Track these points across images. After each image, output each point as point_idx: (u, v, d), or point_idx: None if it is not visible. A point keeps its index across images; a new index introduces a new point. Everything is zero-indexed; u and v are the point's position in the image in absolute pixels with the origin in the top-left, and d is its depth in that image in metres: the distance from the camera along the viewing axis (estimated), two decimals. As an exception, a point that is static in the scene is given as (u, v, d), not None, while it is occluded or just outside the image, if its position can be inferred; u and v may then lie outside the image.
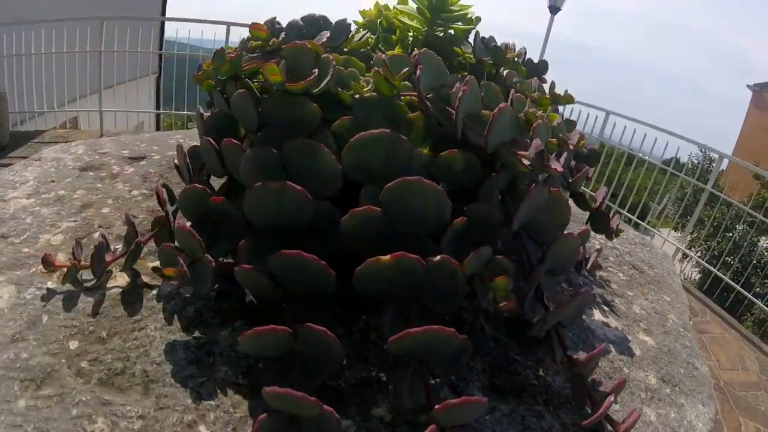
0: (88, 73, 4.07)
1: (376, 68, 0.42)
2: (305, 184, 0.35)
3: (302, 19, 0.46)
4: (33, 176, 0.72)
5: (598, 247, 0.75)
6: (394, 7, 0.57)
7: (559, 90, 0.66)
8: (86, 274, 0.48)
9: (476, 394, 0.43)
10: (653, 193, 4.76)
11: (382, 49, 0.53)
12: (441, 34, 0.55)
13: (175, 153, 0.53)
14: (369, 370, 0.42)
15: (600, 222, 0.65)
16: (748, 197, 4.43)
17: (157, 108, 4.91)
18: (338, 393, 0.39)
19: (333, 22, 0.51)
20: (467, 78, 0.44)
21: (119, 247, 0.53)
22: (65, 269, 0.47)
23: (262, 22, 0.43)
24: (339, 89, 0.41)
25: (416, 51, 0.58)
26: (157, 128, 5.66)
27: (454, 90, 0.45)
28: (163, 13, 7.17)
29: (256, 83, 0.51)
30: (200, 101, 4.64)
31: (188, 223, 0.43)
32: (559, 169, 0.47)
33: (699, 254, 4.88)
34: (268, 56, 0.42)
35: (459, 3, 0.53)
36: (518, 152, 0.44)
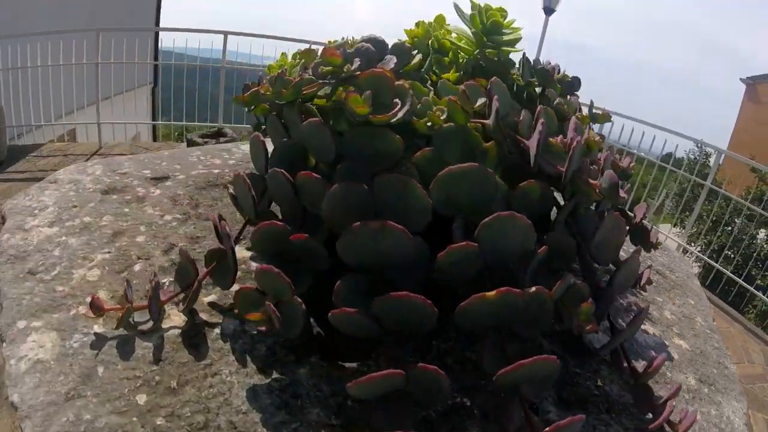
0: (85, 85, 4.03)
1: (451, 97, 0.41)
2: (397, 221, 0.34)
3: (368, 41, 0.45)
4: (52, 201, 0.67)
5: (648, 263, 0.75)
6: (444, 28, 0.56)
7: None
8: (135, 314, 0.44)
9: (550, 409, 0.44)
10: (652, 189, 4.79)
11: (436, 71, 0.53)
12: (495, 58, 0.55)
13: (233, 183, 0.50)
14: (453, 397, 0.41)
15: (640, 236, 0.68)
16: (746, 191, 4.47)
17: (153, 118, 4.86)
18: (429, 422, 0.39)
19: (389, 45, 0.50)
20: (538, 109, 0.44)
21: (165, 281, 0.51)
22: (118, 312, 0.43)
23: (333, 45, 0.42)
24: (414, 118, 0.41)
25: (464, 74, 0.58)
26: (154, 139, 5.62)
27: (522, 118, 0.45)
28: (157, 23, 7.15)
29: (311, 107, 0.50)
30: (199, 112, 4.61)
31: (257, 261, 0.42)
32: (624, 196, 0.48)
33: (699, 249, 4.91)
34: (342, 83, 0.41)
35: (511, 26, 0.53)
36: (592, 182, 0.44)
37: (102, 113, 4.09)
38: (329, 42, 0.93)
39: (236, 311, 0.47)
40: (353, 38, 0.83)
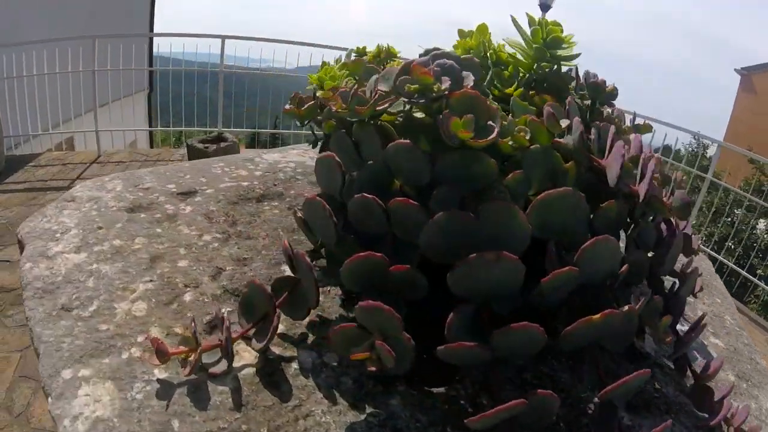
0: (82, 93, 3.99)
1: (533, 118, 0.41)
2: (500, 248, 0.34)
3: (441, 56, 0.45)
4: (74, 222, 0.62)
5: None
6: (503, 39, 0.55)
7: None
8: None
9: (622, 414, 0.45)
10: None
11: (498, 86, 0.52)
12: (548, 71, 0.55)
13: (305, 206, 0.47)
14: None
15: (685, 244, 0.69)
16: (744, 181, 4.51)
17: (150, 124, 4.82)
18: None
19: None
20: (611, 129, 0.44)
21: (223, 311, 0.46)
22: (188, 356, 0.38)
23: (417, 59, 0.41)
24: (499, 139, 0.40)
25: (524, 88, 0.57)
26: (151, 144, 5.58)
27: (593, 137, 0.44)
28: (151, 29, 7.11)
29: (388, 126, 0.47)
30: (197, 116, 4.57)
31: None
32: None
33: (701, 241, 4.95)
34: (432, 102, 0.40)
35: (569, 40, 0.52)
36: (665, 201, 0.44)
37: (99, 120, 4.05)
38: (357, 49, 0.92)
39: (309, 341, 0.46)
40: (388, 45, 0.81)
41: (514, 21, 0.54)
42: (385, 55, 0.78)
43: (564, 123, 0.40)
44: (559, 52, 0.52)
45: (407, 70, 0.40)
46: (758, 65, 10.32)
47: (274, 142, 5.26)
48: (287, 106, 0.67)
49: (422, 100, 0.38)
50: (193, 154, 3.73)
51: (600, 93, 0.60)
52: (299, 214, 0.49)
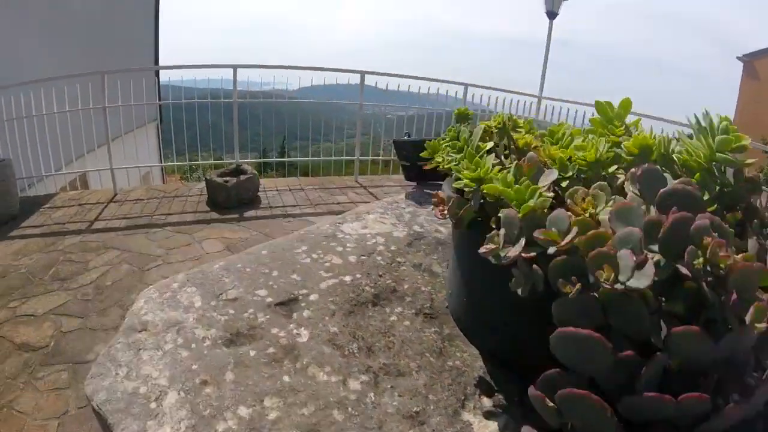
0: (94, 128, 3.93)
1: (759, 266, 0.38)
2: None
3: (684, 194, 0.41)
4: (165, 375, 0.46)
5: None
6: (680, 140, 0.52)
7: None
8: None
9: None
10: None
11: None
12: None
13: (562, 400, 0.37)
14: None
15: None
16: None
17: (160, 156, 4.74)
18: None
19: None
20: None
21: None
22: None
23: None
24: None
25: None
26: (163, 176, 5.53)
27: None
28: (157, 62, 7.12)
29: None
30: (210, 146, 4.52)
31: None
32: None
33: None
34: (714, 274, 0.36)
35: (748, 145, 0.49)
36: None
37: (113, 153, 3.97)
38: (459, 110, 0.86)
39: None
40: (510, 115, 0.76)
41: (696, 124, 0.50)
42: (511, 126, 0.74)
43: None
44: (743, 159, 0.49)
45: (689, 235, 0.36)
46: (760, 50, 10.25)
47: (285, 165, 5.24)
48: (438, 214, 0.60)
49: (709, 278, 0.34)
50: (213, 188, 3.68)
51: (757, 188, 0.58)
52: (551, 404, 0.38)
